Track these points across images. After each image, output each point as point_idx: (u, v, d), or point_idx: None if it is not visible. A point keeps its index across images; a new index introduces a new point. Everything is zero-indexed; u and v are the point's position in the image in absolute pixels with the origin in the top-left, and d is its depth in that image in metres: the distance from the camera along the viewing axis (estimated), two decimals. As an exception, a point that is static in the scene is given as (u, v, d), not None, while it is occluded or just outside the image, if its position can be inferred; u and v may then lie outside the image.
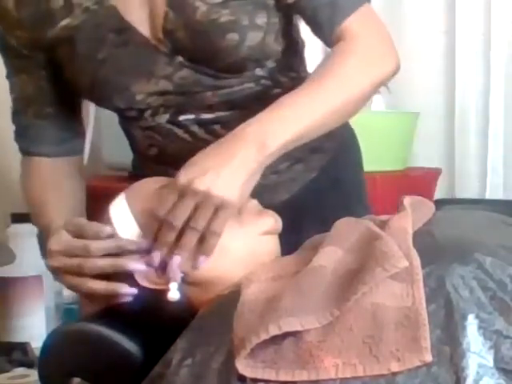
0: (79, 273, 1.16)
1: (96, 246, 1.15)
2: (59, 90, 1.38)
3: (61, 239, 1.19)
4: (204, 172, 1.10)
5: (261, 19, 1.28)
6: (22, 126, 1.42)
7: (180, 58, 1.30)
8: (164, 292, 1.13)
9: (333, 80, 1.22)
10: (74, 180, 1.41)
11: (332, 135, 1.49)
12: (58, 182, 1.38)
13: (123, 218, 1.18)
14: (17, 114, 1.42)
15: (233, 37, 1.25)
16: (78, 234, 1.18)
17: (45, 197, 1.35)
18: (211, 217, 1.10)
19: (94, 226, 1.18)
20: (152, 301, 1.15)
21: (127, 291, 1.15)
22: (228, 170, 1.10)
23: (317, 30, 1.31)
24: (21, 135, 1.43)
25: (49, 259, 1.20)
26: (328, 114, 1.21)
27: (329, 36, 1.28)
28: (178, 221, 1.10)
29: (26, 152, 1.44)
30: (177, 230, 1.10)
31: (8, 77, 1.40)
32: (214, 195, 1.09)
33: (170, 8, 1.26)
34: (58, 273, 1.20)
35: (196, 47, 1.27)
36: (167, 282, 1.13)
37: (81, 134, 1.46)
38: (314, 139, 1.44)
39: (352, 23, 1.26)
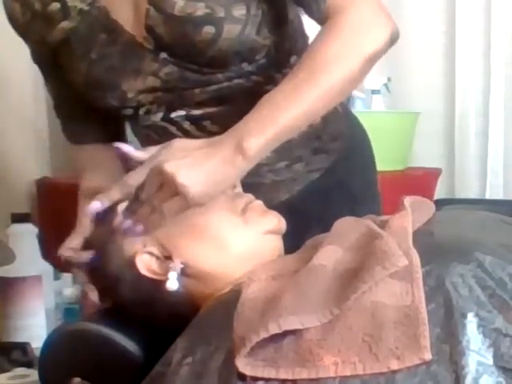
0: None
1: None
2: None
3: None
4: (179, 158, 1.13)
5: (238, 11, 1.27)
6: (62, 118, 1.50)
7: (164, 54, 1.31)
8: (163, 283, 1.15)
9: (315, 67, 1.19)
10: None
11: (339, 136, 1.48)
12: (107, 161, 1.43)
13: None
14: (55, 108, 1.50)
15: (209, 30, 1.25)
16: None
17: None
18: (167, 199, 1.14)
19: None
20: (152, 292, 1.17)
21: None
22: (200, 166, 1.13)
23: (307, 11, 1.30)
24: (64, 127, 1.51)
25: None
26: (311, 105, 1.19)
27: (319, 15, 1.26)
28: (144, 194, 1.16)
29: (71, 142, 1.51)
30: (140, 201, 1.17)
31: (43, 74, 1.47)
32: (178, 182, 1.12)
33: (151, 5, 1.28)
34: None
35: (175, 42, 1.28)
36: (166, 273, 1.15)
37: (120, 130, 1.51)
38: (316, 140, 1.45)
39: None
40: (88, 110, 1.43)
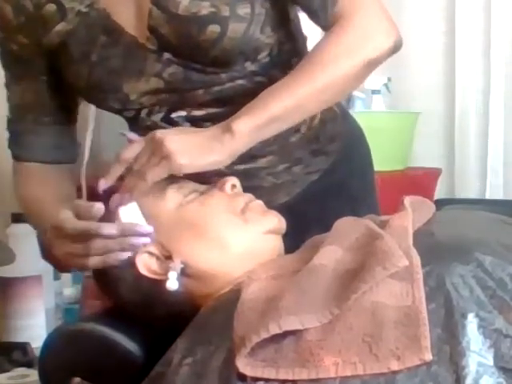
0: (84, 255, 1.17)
1: (107, 227, 1.15)
2: (58, 97, 1.40)
3: (63, 225, 1.17)
4: (171, 131, 1.20)
5: (243, 10, 1.27)
6: (19, 132, 1.42)
7: (168, 55, 1.30)
8: (163, 282, 1.15)
9: (314, 65, 1.23)
10: (66, 184, 1.41)
11: (336, 137, 1.48)
12: (53, 185, 1.39)
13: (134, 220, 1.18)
14: (13, 121, 1.42)
15: (214, 29, 1.25)
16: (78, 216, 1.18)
17: (42, 196, 1.36)
18: (155, 165, 1.16)
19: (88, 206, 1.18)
20: (152, 292, 1.17)
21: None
22: (188, 137, 1.18)
23: (313, 17, 1.30)
24: (15, 142, 1.43)
25: (54, 248, 1.20)
26: (304, 99, 1.22)
27: (325, 22, 1.28)
28: (136, 165, 1.18)
29: (19, 158, 1.43)
30: (131, 171, 1.18)
31: (7, 85, 1.41)
32: (165, 145, 1.15)
33: (154, 5, 1.27)
34: (66, 258, 1.19)
35: (180, 42, 1.28)
36: (166, 272, 1.16)
37: (74, 143, 1.47)
38: (315, 142, 1.45)
39: (345, 5, 1.25)
40: (51, 124, 1.40)
